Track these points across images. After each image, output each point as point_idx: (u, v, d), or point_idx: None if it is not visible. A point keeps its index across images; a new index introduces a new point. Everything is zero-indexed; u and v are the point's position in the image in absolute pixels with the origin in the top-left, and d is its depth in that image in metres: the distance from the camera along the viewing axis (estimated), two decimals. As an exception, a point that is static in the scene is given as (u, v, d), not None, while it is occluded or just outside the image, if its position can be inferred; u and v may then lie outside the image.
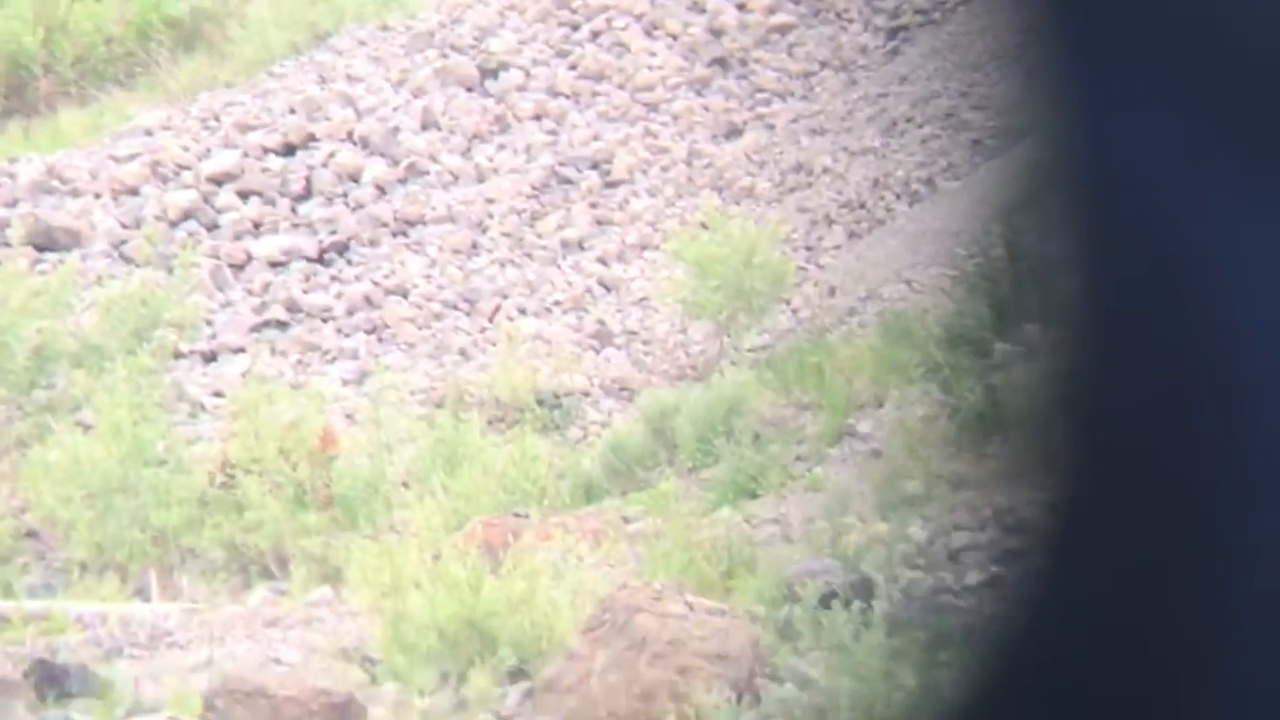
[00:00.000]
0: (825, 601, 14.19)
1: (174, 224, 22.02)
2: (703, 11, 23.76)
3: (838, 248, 20.67)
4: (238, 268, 21.61)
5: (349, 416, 19.05)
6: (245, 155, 22.65)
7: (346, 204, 22.16)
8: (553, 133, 22.73)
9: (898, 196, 20.78)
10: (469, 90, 23.26)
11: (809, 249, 20.70)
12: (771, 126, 22.32)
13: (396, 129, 22.88)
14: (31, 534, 17.95)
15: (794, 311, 19.96)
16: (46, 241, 21.80)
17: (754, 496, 16.38)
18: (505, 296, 20.85)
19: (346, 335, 20.69)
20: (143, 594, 16.97)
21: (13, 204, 22.19)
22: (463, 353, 20.08)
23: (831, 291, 20.00)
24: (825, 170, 21.33)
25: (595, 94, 23.08)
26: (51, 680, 14.33)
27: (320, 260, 21.64)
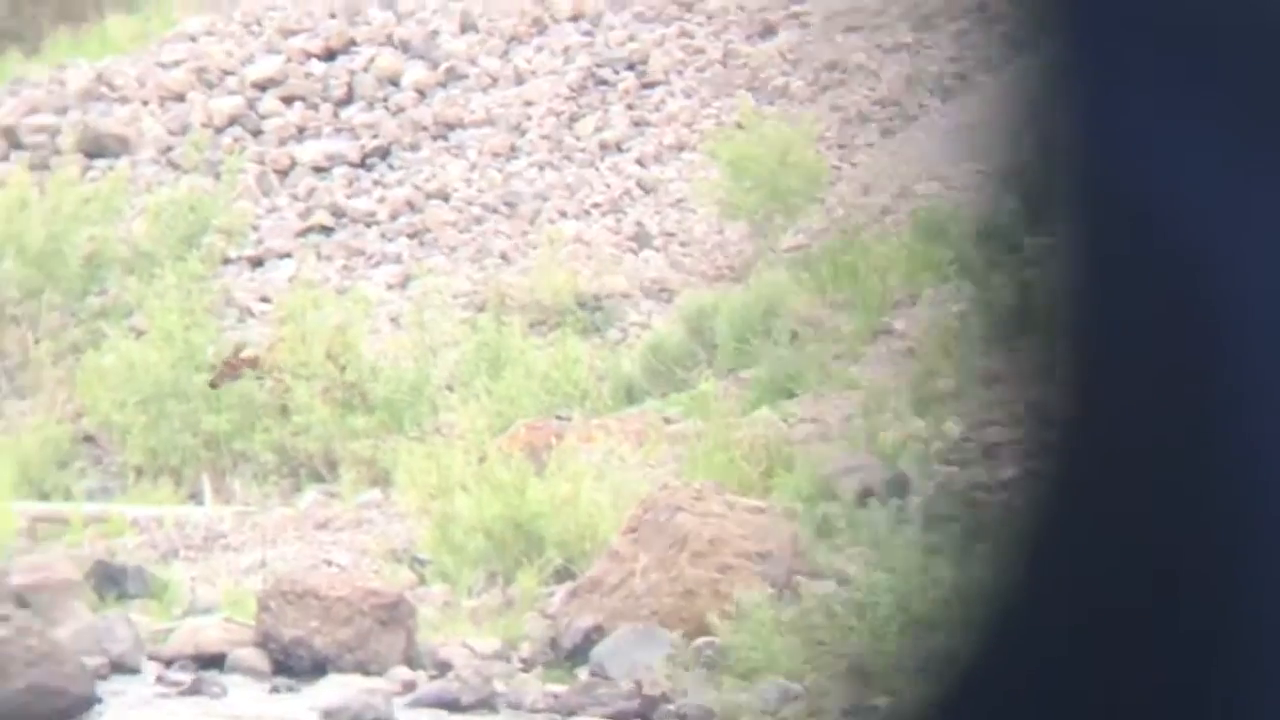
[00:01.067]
0: (862, 498, 14.51)
1: (219, 130, 22.28)
2: (737, -92, 23.83)
3: (871, 145, 20.81)
4: (282, 173, 21.87)
5: (394, 320, 19.36)
6: (288, 60, 22.87)
7: (387, 108, 22.38)
8: (589, 34, 22.87)
9: (931, 92, 20.90)
10: (507, -9, 23.38)
11: (843, 147, 20.86)
12: (806, 25, 22.42)
13: (435, 32, 23.05)
14: (88, 439, 18.35)
15: (829, 210, 20.15)
16: (96, 148, 22.10)
17: (791, 396, 16.64)
18: (545, 199, 21.08)
19: (389, 240, 20.97)
20: (196, 498, 17.38)
21: (63, 111, 22.48)
22: (504, 256, 20.34)
23: (865, 190, 20.17)
24: (859, 67, 21.43)
25: (631, -6, 23.18)
26: (110, 581, 14.72)
27: (362, 165, 21.89)
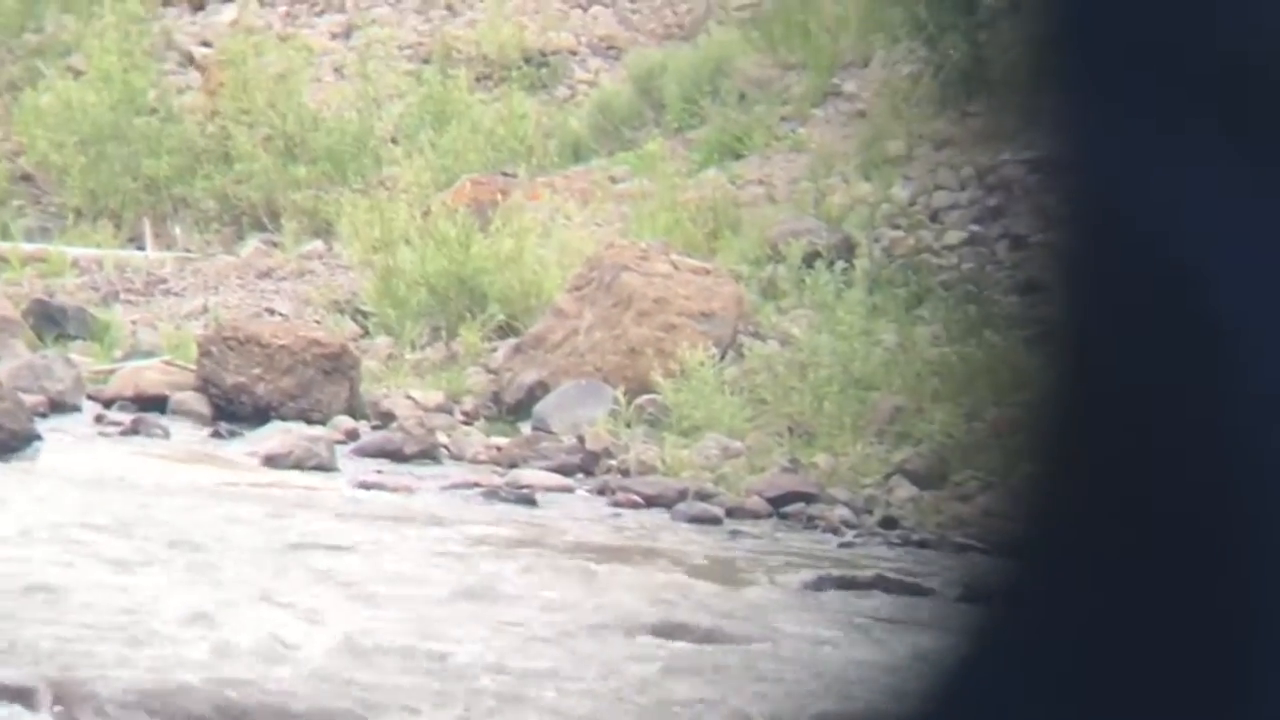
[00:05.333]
0: (809, 260, 14.52)
1: None
2: None
3: (827, -95, 20.48)
4: (224, -87, 21.40)
5: (337, 70, 19.10)
6: None
7: None
8: None
9: None
10: None
11: (798, -94, 20.53)
12: None
13: None
14: (26, 178, 18.14)
15: (782, -30, 19.87)
16: (31, -118, 21.55)
17: (739, 157, 16.57)
18: (493, -50, 20.70)
19: (334, -13, 20.60)
20: (137, 242, 17.24)
21: None
22: (449, 8, 20.03)
23: (819, -49, 19.88)
24: None
25: None
26: (50, 321, 14.63)
27: (307, -92, 21.42)
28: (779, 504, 11.99)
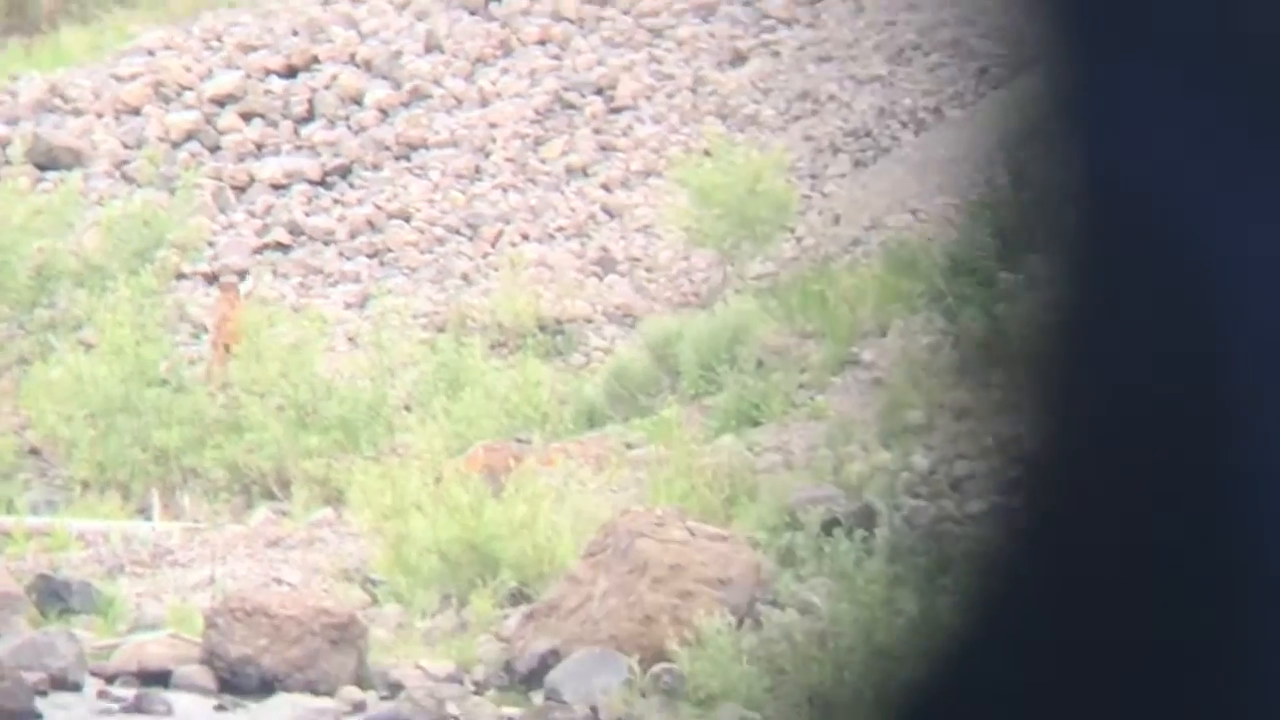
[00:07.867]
0: (827, 529, 14.26)
1: (176, 145, 21.97)
2: (708, -62, 23.63)
3: (843, 176, 20.61)
4: (240, 189, 21.57)
5: (351, 340, 19.05)
6: (248, 76, 22.57)
7: (349, 127, 22.09)
8: (557, 57, 22.63)
9: (904, 125, 20.72)
10: (473, 14, 23.17)
11: (813, 177, 20.66)
12: (777, 54, 22.22)
13: (399, 52, 22.79)
14: (33, 451, 18.01)
15: (798, 240, 19.93)
16: (48, 160, 21.76)
17: (756, 424, 16.42)
18: (508, 222, 20.82)
19: (348, 258, 20.68)
20: (144, 513, 17.03)
21: (14, 122, 22.15)
22: (465, 277, 20.07)
23: (836, 220, 19.97)
24: (831, 98, 21.25)
25: (600, 19, 22.97)
26: (53, 596, 14.41)
27: (322, 183, 21.60)
28: (801, 776, 11.55)
